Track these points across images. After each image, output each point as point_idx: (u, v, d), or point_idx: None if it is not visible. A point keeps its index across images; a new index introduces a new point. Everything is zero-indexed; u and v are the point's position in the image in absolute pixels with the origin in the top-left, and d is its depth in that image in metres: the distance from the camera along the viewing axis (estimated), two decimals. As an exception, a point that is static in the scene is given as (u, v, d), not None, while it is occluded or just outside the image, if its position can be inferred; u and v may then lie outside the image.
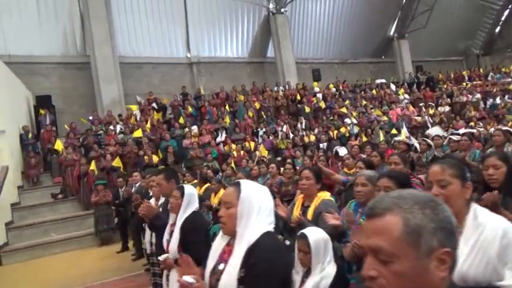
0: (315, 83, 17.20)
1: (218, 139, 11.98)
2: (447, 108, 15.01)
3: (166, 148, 11.11)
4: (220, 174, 9.05)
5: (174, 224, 2.91)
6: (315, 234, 2.18)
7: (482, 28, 23.72)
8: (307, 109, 14.28)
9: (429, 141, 6.01)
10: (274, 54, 18.46)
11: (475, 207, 1.53)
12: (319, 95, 15.17)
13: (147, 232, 4.33)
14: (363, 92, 16.23)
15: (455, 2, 21.37)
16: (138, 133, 11.21)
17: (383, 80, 18.10)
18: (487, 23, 23.43)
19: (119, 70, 14.30)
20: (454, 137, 5.71)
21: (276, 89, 16.02)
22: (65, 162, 10.07)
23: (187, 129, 12.29)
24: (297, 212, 2.90)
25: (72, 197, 10.11)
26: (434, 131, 11.25)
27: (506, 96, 16.08)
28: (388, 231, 0.86)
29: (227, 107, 13.30)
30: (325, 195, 2.87)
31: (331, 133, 12.45)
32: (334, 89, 16.00)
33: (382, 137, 9.18)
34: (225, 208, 1.67)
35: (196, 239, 2.71)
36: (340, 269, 2.19)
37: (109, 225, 8.43)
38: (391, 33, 21.60)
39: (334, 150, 7.59)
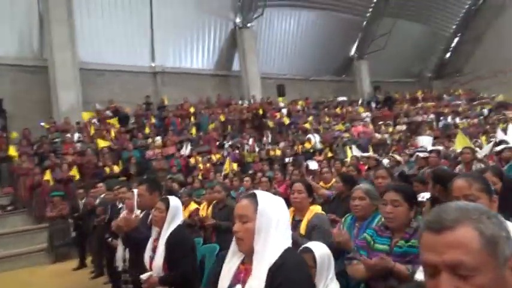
0: (280, 98, 17.41)
1: (183, 151, 11.71)
2: (404, 127, 15.69)
3: (129, 159, 10.68)
4: (188, 186, 8.78)
5: (157, 239, 2.72)
6: (321, 249, 2.10)
7: (434, 53, 25.22)
8: (271, 124, 14.35)
9: (398, 157, 6.18)
10: (239, 67, 18.51)
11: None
12: (284, 110, 15.33)
13: (120, 247, 4.06)
14: (326, 109, 16.59)
15: (411, 27, 22.57)
16: (103, 143, 10.69)
17: (344, 98, 18.67)
18: (438, 49, 24.95)
19: (79, 76, 13.68)
20: (421, 154, 5.92)
21: (240, 102, 16.02)
22: (18, 171, 9.36)
23: (150, 140, 11.93)
24: (288, 226, 2.81)
25: (24, 209, 9.39)
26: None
27: (457, 118, 17.11)
28: (467, 244, 0.82)
29: (192, 118, 13.06)
30: (317, 208, 2.81)
31: (296, 148, 12.55)
32: (299, 106, 16.24)
33: (349, 154, 9.35)
34: (240, 223, 1.54)
35: (184, 255, 2.54)
36: (342, 286, 2.12)
37: (65, 240, 7.88)
38: (352, 53, 22.40)
39: (305, 164, 7.61)
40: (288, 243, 1.54)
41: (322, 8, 20.10)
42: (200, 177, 9.45)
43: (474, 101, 20.27)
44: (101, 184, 6.87)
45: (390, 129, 15.22)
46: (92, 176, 10.15)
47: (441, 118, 16.76)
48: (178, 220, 2.69)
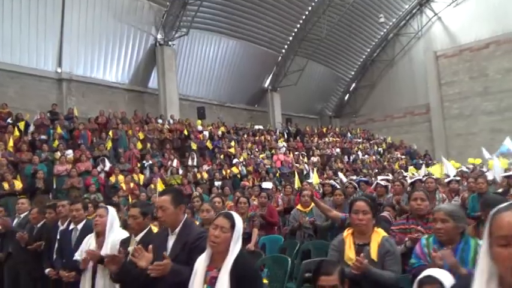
0: (199, 121, 16.90)
1: (100, 168, 10.38)
2: (317, 159, 16.52)
3: (35, 173, 9.02)
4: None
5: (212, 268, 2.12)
6: (447, 278, 1.83)
7: (335, 94, 27.62)
8: (194, 146, 13.77)
9: (355, 183, 6.33)
10: (157, 85, 17.59)
11: None
12: (206, 133, 14.89)
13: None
14: (245, 136, 16.62)
15: (318, 69, 24.45)
16: None
17: (261, 127, 19.03)
18: (339, 90, 27.43)
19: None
20: (382, 182, 6.16)
21: (160, 121, 15.11)
22: None
23: (59, 153, 10.33)
24: (351, 252, 2.47)
25: None
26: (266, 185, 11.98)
27: (360, 153, 18.73)
28: None
29: (110, 133, 11.78)
30: (382, 231, 2.55)
31: (224, 172, 12.15)
32: (220, 132, 15.94)
33: (298, 183, 9.30)
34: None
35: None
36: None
37: None
38: (266, 85, 23.19)
39: (259, 185, 7.31)
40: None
41: (243, 38, 20.56)
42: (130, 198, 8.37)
43: (370, 140, 22.51)
44: (23, 200, 5.54)
45: (305, 160, 15.86)
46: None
47: (349, 153, 18.10)
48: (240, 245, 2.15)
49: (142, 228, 3.02)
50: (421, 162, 20.45)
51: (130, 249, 2.84)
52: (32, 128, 11.74)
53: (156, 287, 2.30)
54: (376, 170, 15.97)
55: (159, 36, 17.54)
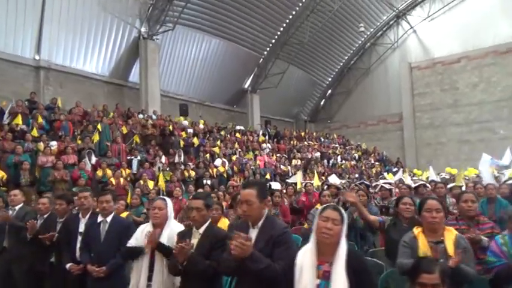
0: (181, 118, 16.61)
1: (86, 161, 9.95)
2: (299, 162, 16.68)
3: (19, 164, 8.51)
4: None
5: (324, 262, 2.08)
6: None
7: (311, 99, 28.04)
8: (181, 143, 13.53)
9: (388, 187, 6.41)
10: (139, 79, 17.13)
11: None
12: (190, 130, 14.67)
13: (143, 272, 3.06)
14: (228, 135, 16.51)
15: (296, 72, 24.69)
16: None
17: (242, 127, 18.98)
18: (315, 95, 27.88)
19: None
20: (387, 186, 6.30)
21: (142, 116, 14.73)
22: None
23: (42, 144, 9.81)
24: (427, 249, 2.51)
25: None
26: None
27: (339, 158, 19.10)
28: None
29: (99, 126, 11.33)
30: (452, 228, 2.61)
31: (210, 171, 12.00)
32: (202, 126, 15.77)
33: (300, 184, 9.25)
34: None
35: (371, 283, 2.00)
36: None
37: None
38: (246, 86, 23.17)
39: (268, 184, 7.29)
40: None
41: (226, 37, 20.45)
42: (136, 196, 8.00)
43: (345, 145, 23.01)
44: (16, 191, 5.19)
45: (288, 163, 15.97)
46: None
47: (328, 158, 18.40)
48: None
49: (205, 221, 2.94)
50: (394, 169, 21.20)
51: (193, 241, 2.75)
52: (6, 116, 11.08)
53: (241, 279, 2.24)
54: (357, 175, 16.33)
55: (143, 30, 17.11)
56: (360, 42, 25.73)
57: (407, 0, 24.34)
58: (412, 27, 24.73)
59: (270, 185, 7.05)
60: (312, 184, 7.79)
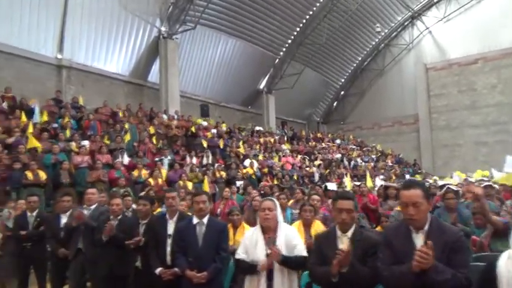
0: (199, 120, 16.35)
1: (118, 160, 9.72)
2: (321, 163, 16.45)
3: (58, 163, 8.28)
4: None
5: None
6: None
7: (324, 100, 27.85)
8: (205, 143, 13.31)
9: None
10: (158, 79, 16.91)
11: None
12: (214, 131, 14.46)
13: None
14: (250, 136, 16.30)
15: (310, 73, 24.43)
16: (33, 142, 8.06)
17: (261, 128, 18.77)
18: (328, 97, 27.68)
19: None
20: (453, 187, 6.08)
21: (165, 116, 14.52)
22: None
23: (74, 143, 9.59)
24: None
25: None
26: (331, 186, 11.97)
27: (359, 159, 18.89)
28: None
29: (126, 125, 11.11)
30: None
31: (240, 172, 11.78)
32: (224, 128, 15.56)
33: (370, 183, 9.03)
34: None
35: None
36: None
37: None
38: (262, 86, 22.96)
39: (324, 185, 7.07)
40: None
41: (242, 37, 20.26)
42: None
43: (362, 147, 22.80)
44: (92, 190, 4.97)
45: (311, 164, 15.75)
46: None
47: (349, 159, 18.18)
48: None
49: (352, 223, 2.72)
50: (411, 171, 21.02)
51: (341, 247, 2.52)
52: (37, 115, 10.85)
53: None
54: (382, 177, 16.09)
55: (163, 29, 16.90)
56: (374, 43, 25.56)
57: (423, 1, 24.20)
58: (427, 28, 24.57)
59: (326, 186, 6.83)
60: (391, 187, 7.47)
